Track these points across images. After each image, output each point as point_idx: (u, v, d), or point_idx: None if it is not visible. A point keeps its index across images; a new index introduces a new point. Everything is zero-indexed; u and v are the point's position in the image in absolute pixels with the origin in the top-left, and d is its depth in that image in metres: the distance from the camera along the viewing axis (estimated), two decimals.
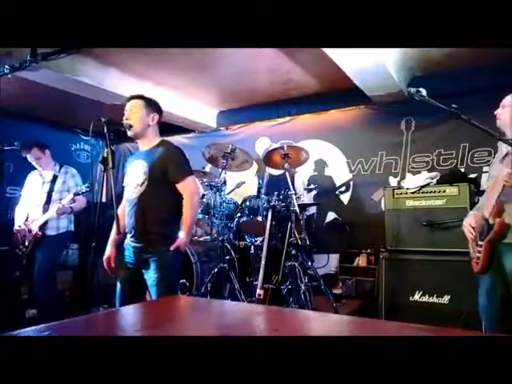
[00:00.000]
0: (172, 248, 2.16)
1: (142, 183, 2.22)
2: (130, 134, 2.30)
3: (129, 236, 2.29)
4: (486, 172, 3.46)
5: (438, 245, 3.05)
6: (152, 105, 2.35)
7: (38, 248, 3.37)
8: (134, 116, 2.28)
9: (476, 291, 2.25)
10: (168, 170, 2.22)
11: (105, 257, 2.31)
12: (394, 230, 3.36)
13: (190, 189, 2.26)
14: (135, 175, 2.27)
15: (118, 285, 2.27)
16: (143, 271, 2.22)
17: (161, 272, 2.16)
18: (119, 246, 2.33)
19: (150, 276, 2.17)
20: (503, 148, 2.25)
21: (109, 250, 2.32)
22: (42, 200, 3.45)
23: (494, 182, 2.14)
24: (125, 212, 2.34)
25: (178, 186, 2.25)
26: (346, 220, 4.45)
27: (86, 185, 3.36)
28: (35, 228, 3.36)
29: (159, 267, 2.16)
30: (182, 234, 2.24)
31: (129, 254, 2.27)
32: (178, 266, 2.32)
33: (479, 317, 2.23)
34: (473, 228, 2.19)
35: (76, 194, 3.33)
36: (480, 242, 2.15)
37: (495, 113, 2.18)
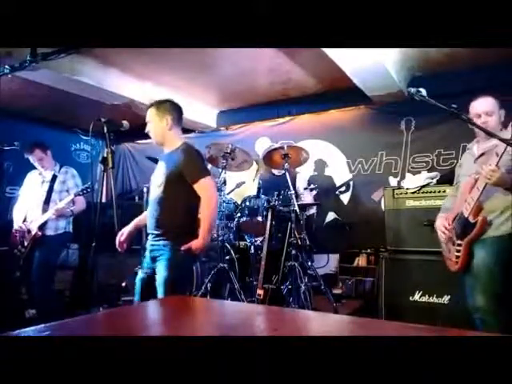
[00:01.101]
0: (183, 248, 2.15)
1: (161, 184, 2.26)
2: (154, 143, 2.39)
3: (149, 237, 2.33)
4: None
5: (438, 245, 3.05)
6: (162, 109, 2.34)
7: (37, 248, 3.36)
8: (150, 126, 2.34)
9: (463, 292, 2.27)
10: (184, 170, 2.23)
11: (122, 230, 2.39)
12: (393, 230, 3.36)
13: (207, 190, 2.25)
14: (156, 177, 2.33)
15: (137, 284, 2.31)
16: (157, 271, 2.24)
17: (169, 272, 2.16)
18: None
19: (159, 275, 2.19)
20: (474, 148, 2.28)
21: (128, 227, 2.42)
22: (41, 200, 3.43)
23: (469, 181, 2.16)
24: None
25: (196, 186, 2.24)
26: (345, 220, 4.45)
27: (87, 185, 3.34)
28: (34, 228, 3.35)
29: (168, 267, 2.17)
30: (199, 238, 2.21)
31: (147, 255, 2.32)
32: (187, 267, 2.33)
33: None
34: (447, 229, 2.24)
35: (77, 194, 3.32)
36: (459, 242, 2.17)
37: (482, 122, 2.15)
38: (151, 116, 2.33)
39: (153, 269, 2.27)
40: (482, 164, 2.11)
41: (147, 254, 2.32)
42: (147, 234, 2.37)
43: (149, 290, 2.24)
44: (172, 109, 2.36)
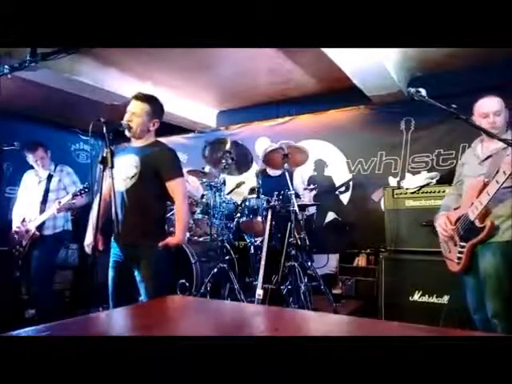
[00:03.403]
0: (160, 245, 2.18)
1: (133, 176, 2.23)
2: (128, 134, 2.31)
3: (119, 228, 2.21)
4: None
5: (438, 245, 3.04)
6: (157, 111, 2.35)
7: (35, 248, 3.37)
8: (137, 119, 2.28)
9: (464, 293, 2.27)
10: (161, 168, 2.26)
11: (88, 242, 2.32)
12: (393, 230, 3.36)
13: (181, 190, 2.30)
14: (125, 168, 2.26)
15: (110, 283, 2.27)
16: (133, 268, 2.22)
17: (148, 269, 2.18)
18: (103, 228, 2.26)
19: (138, 273, 2.20)
20: (479, 149, 2.26)
21: (91, 235, 2.23)
22: (39, 200, 3.44)
23: (476, 183, 2.12)
24: (105, 203, 2.24)
25: (169, 185, 2.28)
26: (345, 220, 4.45)
27: (85, 184, 3.34)
28: (32, 228, 3.36)
29: (147, 264, 2.18)
30: (176, 235, 2.26)
31: (117, 252, 2.25)
32: (167, 264, 2.33)
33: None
34: (450, 228, 2.22)
35: (75, 195, 3.31)
36: (462, 243, 2.16)
37: (490, 122, 2.13)
38: (142, 110, 2.28)
39: (126, 262, 2.21)
40: (489, 166, 2.08)
41: (118, 248, 2.24)
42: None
43: (126, 284, 2.22)
44: (160, 111, 2.39)
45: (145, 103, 2.30)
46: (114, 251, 2.29)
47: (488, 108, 2.16)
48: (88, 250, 2.35)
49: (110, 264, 2.30)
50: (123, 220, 2.19)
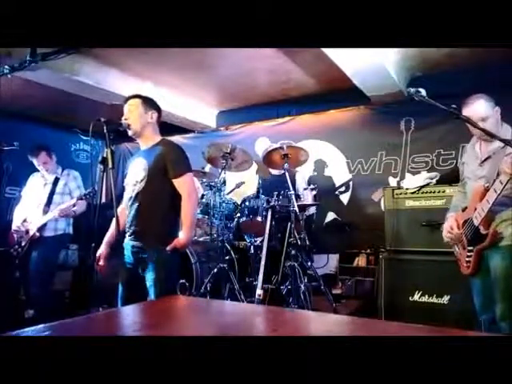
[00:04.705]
0: (168, 248, 2.14)
1: (142, 180, 2.22)
2: (130, 133, 2.31)
3: (127, 235, 2.27)
4: None
5: (438, 245, 3.04)
6: (149, 102, 2.36)
7: (34, 249, 3.36)
8: (133, 114, 2.28)
9: (471, 293, 2.26)
10: (167, 165, 2.21)
11: (97, 254, 2.32)
12: (393, 230, 3.36)
13: (187, 187, 2.23)
14: (135, 173, 2.27)
15: (120, 286, 2.26)
16: (142, 272, 2.20)
17: (158, 273, 2.14)
18: (116, 247, 2.31)
19: (148, 277, 2.16)
20: (477, 148, 2.25)
21: (101, 249, 2.33)
22: (43, 202, 3.44)
23: (478, 188, 2.11)
24: (125, 212, 2.33)
25: (176, 182, 2.22)
26: (345, 220, 4.45)
27: (90, 189, 3.34)
28: (33, 229, 3.35)
29: (157, 267, 2.14)
30: (181, 235, 2.22)
31: (128, 254, 2.26)
32: (175, 266, 2.29)
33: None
34: (457, 233, 2.21)
35: (79, 198, 3.31)
36: (470, 247, 2.16)
37: (482, 127, 2.03)
38: (135, 105, 2.30)
39: (136, 265, 2.23)
40: (489, 169, 2.08)
41: (127, 252, 2.26)
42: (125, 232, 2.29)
43: (135, 287, 2.19)
44: (157, 107, 2.39)
45: (135, 98, 2.33)
46: (124, 255, 2.28)
47: (473, 116, 2.07)
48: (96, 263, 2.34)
49: (121, 267, 2.28)
50: (134, 222, 2.23)
